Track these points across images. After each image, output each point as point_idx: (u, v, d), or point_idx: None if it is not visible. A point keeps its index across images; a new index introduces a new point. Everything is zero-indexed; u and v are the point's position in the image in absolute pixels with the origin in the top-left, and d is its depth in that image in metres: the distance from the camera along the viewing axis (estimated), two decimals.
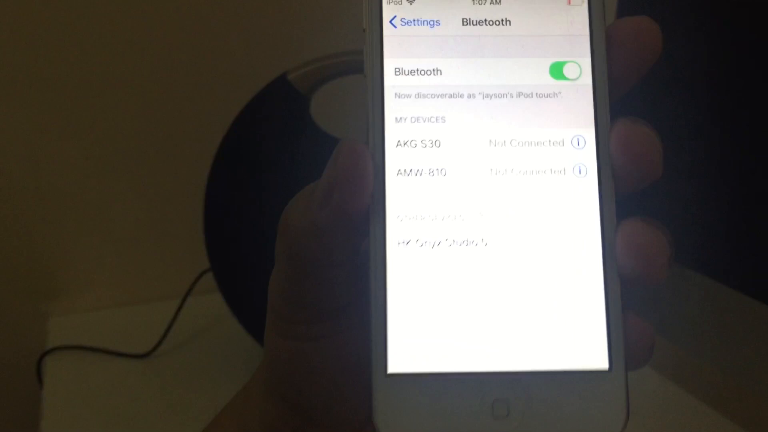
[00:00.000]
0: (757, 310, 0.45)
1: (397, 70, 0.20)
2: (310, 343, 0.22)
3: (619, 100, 0.21)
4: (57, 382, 0.55)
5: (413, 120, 0.20)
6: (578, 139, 0.20)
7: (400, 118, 0.20)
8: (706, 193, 0.51)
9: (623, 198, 0.20)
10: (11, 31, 0.55)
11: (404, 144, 0.20)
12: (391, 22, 0.20)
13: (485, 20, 0.21)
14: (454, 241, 0.19)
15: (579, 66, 0.20)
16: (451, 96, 0.20)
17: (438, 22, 0.20)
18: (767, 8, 0.44)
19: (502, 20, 0.21)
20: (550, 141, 0.20)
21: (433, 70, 0.20)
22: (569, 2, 0.21)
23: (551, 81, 0.20)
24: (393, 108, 0.20)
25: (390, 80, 0.20)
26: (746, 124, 0.47)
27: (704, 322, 0.52)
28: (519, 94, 0.20)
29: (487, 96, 0.20)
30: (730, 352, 0.50)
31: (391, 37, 0.20)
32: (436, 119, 0.20)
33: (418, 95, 0.20)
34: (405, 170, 0.20)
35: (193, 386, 0.53)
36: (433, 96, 0.20)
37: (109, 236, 0.64)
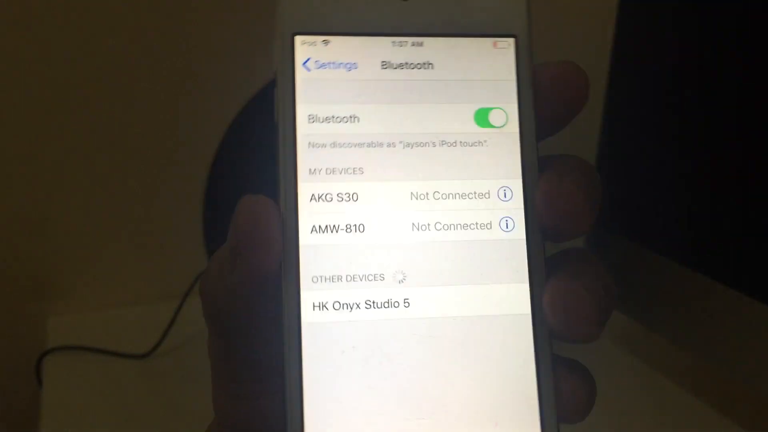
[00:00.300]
0: (758, 311, 0.45)
1: (311, 116, 0.19)
2: (251, 401, 0.21)
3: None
4: (56, 383, 0.55)
5: (328, 171, 0.18)
6: (505, 191, 0.19)
7: (314, 170, 0.18)
8: (705, 190, 0.51)
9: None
10: (10, 31, 0.55)
11: (318, 198, 0.18)
12: (304, 64, 0.19)
13: (406, 63, 0.19)
14: (374, 302, 0.18)
15: (505, 113, 0.19)
16: (369, 145, 0.19)
17: (355, 65, 0.19)
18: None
19: (424, 63, 0.19)
20: (475, 193, 0.19)
21: (350, 116, 0.19)
22: (495, 45, 0.19)
23: (476, 129, 0.19)
24: (306, 158, 0.18)
25: (303, 128, 0.18)
26: (747, 122, 0.47)
27: (706, 323, 0.52)
28: (442, 143, 0.19)
29: (407, 145, 0.19)
30: (731, 351, 0.50)
31: (304, 81, 0.19)
32: (354, 170, 0.19)
33: (334, 144, 0.19)
34: (319, 227, 0.18)
35: (192, 386, 0.53)
36: (350, 145, 0.19)
37: (109, 236, 0.64)
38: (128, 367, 0.56)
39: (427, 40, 0.19)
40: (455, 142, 0.19)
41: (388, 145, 0.19)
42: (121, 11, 0.57)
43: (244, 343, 0.20)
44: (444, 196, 0.19)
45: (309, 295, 0.18)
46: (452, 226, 0.19)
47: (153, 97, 0.61)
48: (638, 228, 0.56)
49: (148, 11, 0.58)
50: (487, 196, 0.19)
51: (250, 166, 0.52)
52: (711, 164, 0.50)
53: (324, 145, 0.19)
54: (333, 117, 0.19)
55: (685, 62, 0.52)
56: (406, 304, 0.18)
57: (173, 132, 0.62)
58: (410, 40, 0.19)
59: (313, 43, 0.19)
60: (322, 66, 0.19)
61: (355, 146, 0.19)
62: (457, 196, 0.19)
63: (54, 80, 0.58)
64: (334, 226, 0.18)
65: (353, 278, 0.18)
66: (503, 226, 0.19)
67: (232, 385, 0.21)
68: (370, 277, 0.18)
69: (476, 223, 0.19)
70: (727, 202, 0.49)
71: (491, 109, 0.19)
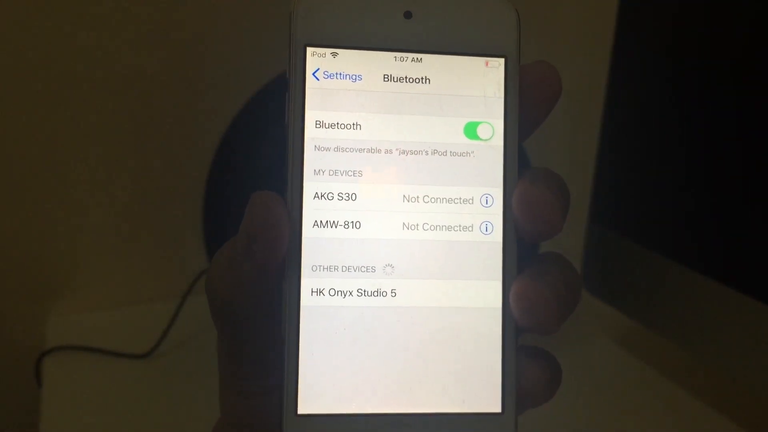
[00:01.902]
0: (757, 311, 0.45)
1: (318, 122, 0.21)
2: (260, 398, 0.22)
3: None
4: (56, 382, 0.55)
5: (331, 173, 0.21)
6: (487, 198, 0.21)
7: (319, 171, 0.20)
8: (705, 189, 0.51)
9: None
10: (11, 30, 0.55)
11: (321, 196, 0.20)
12: (314, 74, 0.21)
13: (406, 78, 0.21)
14: (365, 291, 0.20)
15: (492, 127, 0.21)
16: (368, 151, 0.21)
17: (360, 77, 0.21)
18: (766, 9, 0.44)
19: (422, 78, 0.21)
20: (460, 199, 0.21)
21: (353, 124, 0.21)
22: (487, 64, 0.21)
23: (465, 140, 0.21)
24: (312, 160, 0.20)
25: (310, 132, 0.21)
26: (747, 124, 0.47)
27: (705, 323, 0.52)
28: (434, 152, 0.21)
29: (403, 152, 0.21)
30: (730, 351, 0.50)
31: (313, 89, 0.21)
32: (354, 173, 0.21)
33: (337, 149, 0.21)
34: (321, 222, 0.20)
35: (192, 386, 0.53)
36: (352, 150, 0.21)
37: (108, 236, 0.64)
38: (128, 367, 0.56)
39: (426, 57, 0.21)
40: (446, 152, 0.21)
41: (386, 152, 0.21)
42: (120, 10, 0.57)
43: (250, 337, 0.21)
44: (432, 200, 0.21)
45: (308, 281, 0.20)
46: (438, 227, 0.21)
47: (153, 97, 0.61)
48: (638, 227, 0.56)
49: (147, 10, 0.58)
50: (471, 201, 0.21)
51: (250, 166, 0.52)
52: (711, 164, 0.50)
53: (328, 149, 0.21)
54: (337, 124, 0.21)
55: (685, 62, 0.52)
56: (393, 294, 0.21)
57: (174, 132, 0.62)
58: (410, 56, 0.21)
59: (323, 55, 0.21)
60: (330, 76, 0.21)
61: (356, 151, 0.21)
62: (444, 200, 0.21)
63: (53, 79, 0.58)
64: (333, 221, 0.20)
65: (348, 269, 0.20)
66: (483, 229, 0.21)
67: (239, 383, 0.22)
68: (363, 269, 0.20)
69: (459, 226, 0.21)
70: (728, 202, 0.49)
71: (480, 123, 0.21)
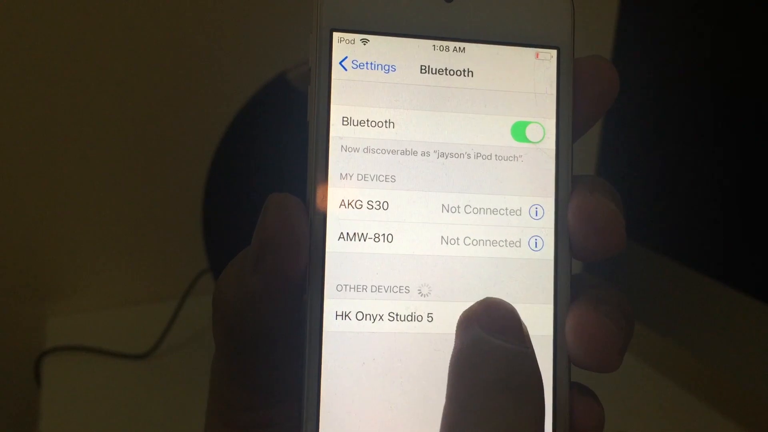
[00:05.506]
0: (757, 310, 0.45)
1: (345, 119, 0.18)
2: (259, 431, 0.20)
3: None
4: (55, 383, 0.55)
5: (360, 177, 0.18)
6: (537, 209, 0.19)
7: (346, 175, 0.18)
8: (708, 192, 0.51)
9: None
10: (10, 31, 0.55)
11: (348, 205, 0.18)
12: (341, 63, 0.18)
13: (446, 69, 0.19)
14: (397, 315, 0.18)
15: (543, 128, 0.19)
16: (403, 153, 0.18)
17: (394, 68, 0.18)
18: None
19: (465, 71, 0.19)
20: (506, 209, 0.19)
21: (386, 122, 0.18)
22: (537, 56, 0.19)
23: (512, 143, 0.19)
24: (338, 162, 0.18)
25: (336, 130, 0.18)
26: (748, 123, 0.47)
27: (705, 322, 0.52)
28: (477, 155, 0.19)
29: (442, 155, 0.18)
30: (731, 352, 0.50)
31: (340, 81, 0.18)
32: (386, 178, 0.18)
33: (367, 150, 0.18)
34: (347, 234, 0.18)
35: (191, 387, 0.53)
36: (384, 152, 0.18)
37: (108, 236, 0.64)
38: (127, 367, 0.56)
39: (469, 46, 0.19)
40: (490, 156, 0.19)
41: (423, 154, 0.18)
42: (120, 9, 0.57)
43: (254, 360, 0.18)
44: (475, 211, 0.18)
45: (332, 303, 0.18)
46: (481, 242, 0.18)
47: (153, 97, 0.61)
48: (638, 228, 0.56)
49: (147, 9, 0.58)
50: (518, 213, 0.19)
51: (250, 166, 0.52)
52: (711, 165, 0.50)
53: (357, 150, 0.18)
54: (368, 121, 0.18)
55: (684, 64, 0.52)
56: (430, 319, 0.18)
57: (173, 132, 0.62)
58: (452, 44, 0.19)
59: (352, 41, 0.18)
60: (360, 66, 0.18)
61: (388, 153, 0.18)
62: (489, 211, 0.19)
63: (54, 80, 0.58)
64: (362, 234, 0.18)
65: (378, 289, 0.18)
66: (532, 245, 0.19)
67: (230, 413, 0.20)
68: (395, 289, 0.18)
69: (505, 241, 0.18)
70: (728, 203, 0.49)
71: (529, 123, 0.19)
